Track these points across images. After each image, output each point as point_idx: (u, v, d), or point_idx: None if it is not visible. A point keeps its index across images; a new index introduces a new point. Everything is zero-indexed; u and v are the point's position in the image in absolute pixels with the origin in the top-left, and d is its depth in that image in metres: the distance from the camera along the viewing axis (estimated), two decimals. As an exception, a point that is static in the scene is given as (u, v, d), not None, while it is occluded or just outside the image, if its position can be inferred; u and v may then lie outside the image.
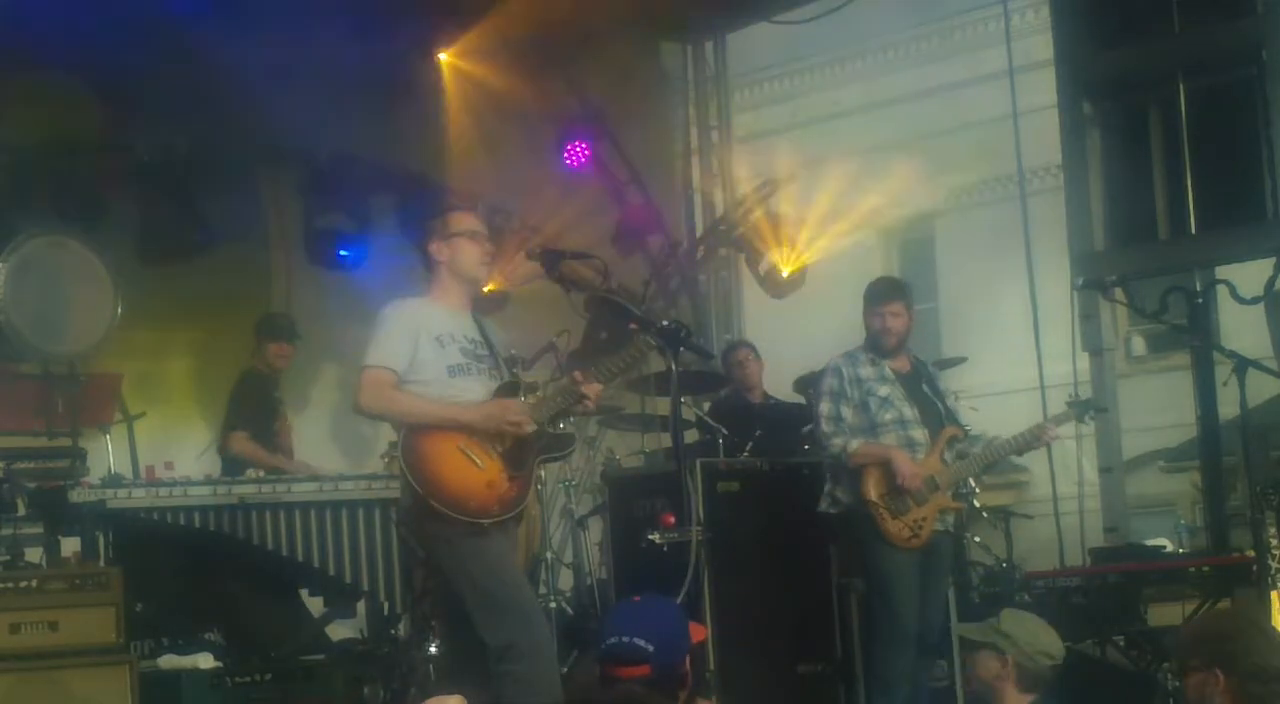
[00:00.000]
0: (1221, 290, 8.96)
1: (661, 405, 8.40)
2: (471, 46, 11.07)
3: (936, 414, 7.40)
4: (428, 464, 5.81)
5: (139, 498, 7.60)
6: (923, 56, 17.17)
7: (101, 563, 7.31)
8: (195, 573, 7.96)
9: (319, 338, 10.09)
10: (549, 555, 8.92)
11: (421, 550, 6.10)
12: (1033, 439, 7.41)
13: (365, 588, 7.98)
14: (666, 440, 8.59)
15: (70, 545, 7.44)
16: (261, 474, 7.96)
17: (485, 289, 7.37)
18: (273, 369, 9.20)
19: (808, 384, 9.24)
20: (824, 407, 7.39)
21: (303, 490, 7.86)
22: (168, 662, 7.42)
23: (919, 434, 7.31)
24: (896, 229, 17.73)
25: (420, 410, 5.86)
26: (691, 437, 8.63)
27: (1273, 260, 8.41)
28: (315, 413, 10.44)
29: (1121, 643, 7.90)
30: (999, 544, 9.98)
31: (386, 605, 8.14)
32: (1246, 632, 4.38)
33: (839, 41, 16.15)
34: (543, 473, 8.21)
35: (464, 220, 6.15)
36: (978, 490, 9.49)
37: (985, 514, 10.18)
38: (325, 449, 9.83)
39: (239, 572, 8.01)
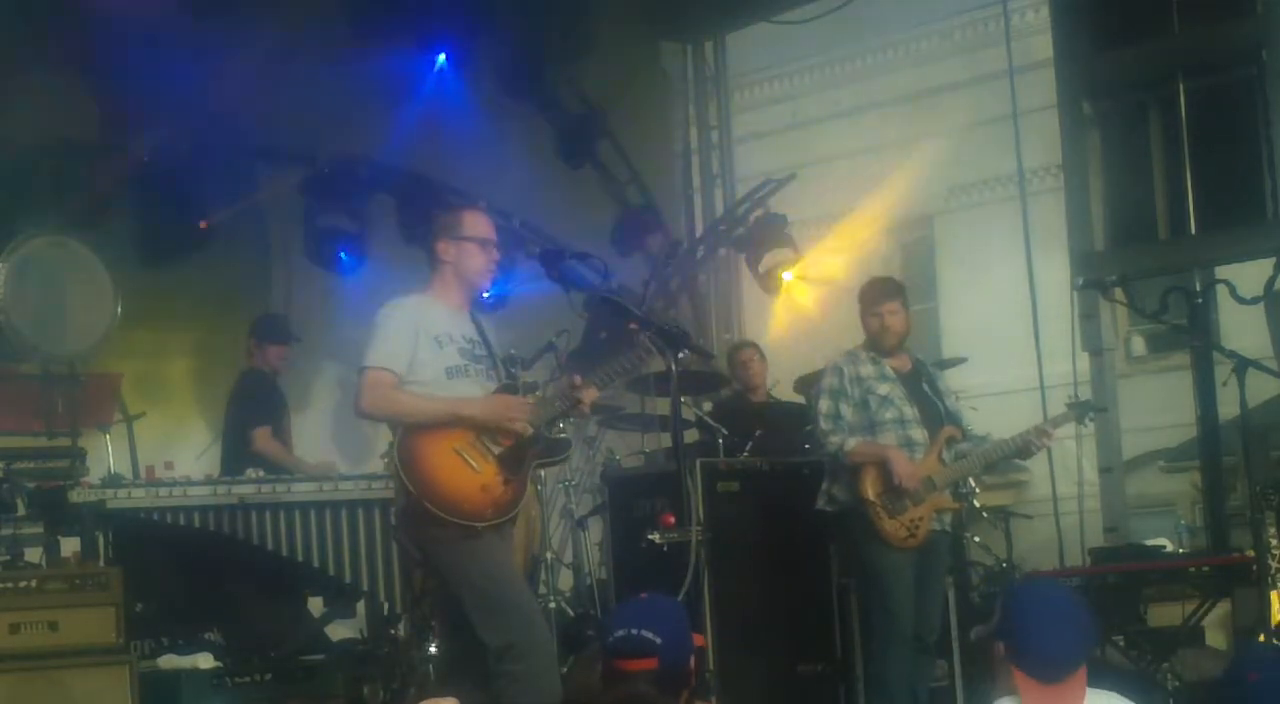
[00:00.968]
0: (1221, 290, 8.97)
1: (661, 405, 8.40)
2: (472, 46, 11.07)
3: (936, 414, 7.40)
4: (422, 466, 5.81)
5: (139, 498, 7.59)
6: (923, 56, 17.16)
7: (101, 563, 7.30)
8: (195, 573, 7.96)
9: (319, 338, 10.09)
10: (549, 555, 8.92)
11: (418, 552, 6.09)
12: (1030, 442, 7.39)
13: (365, 588, 7.98)
14: (666, 440, 8.59)
15: (70, 545, 7.44)
16: (261, 474, 7.96)
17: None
18: (273, 371, 9.20)
19: (808, 384, 9.24)
20: (823, 404, 7.39)
21: (303, 490, 7.85)
22: (168, 662, 7.42)
23: (918, 434, 7.31)
24: (896, 229, 17.72)
25: (423, 409, 5.86)
26: (691, 437, 8.63)
27: (1273, 260, 8.42)
28: (315, 413, 10.45)
29: (1121, 643, 7.90)
30: (999, 544, 9.98)
31: (386, 605, 8.13)
32: None
33: (838, 41, 16.14)
34: (543, 473, 8.22)
35: (476, 225, 6.09)
36: (978, 490, 9.49)
37: (985, 514, 10.18)
38: (325, 449, 9.82)
39: (239, 572, 8.01)
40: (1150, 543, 8.75)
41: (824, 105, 17.45)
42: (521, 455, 5.94)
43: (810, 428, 8.66)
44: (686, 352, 6.14)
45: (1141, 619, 8.19)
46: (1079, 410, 7.72)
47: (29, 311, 8.05)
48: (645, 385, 9.09)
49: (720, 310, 12.67)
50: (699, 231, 12.73)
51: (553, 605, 8.63)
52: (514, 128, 11.22)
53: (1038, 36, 11.01)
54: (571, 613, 9.07)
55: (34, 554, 7.35)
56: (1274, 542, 7.13)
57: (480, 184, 10.61)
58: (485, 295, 7.28)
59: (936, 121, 16.37)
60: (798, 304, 12.25)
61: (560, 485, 9.52)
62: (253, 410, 8.92)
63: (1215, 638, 8.52)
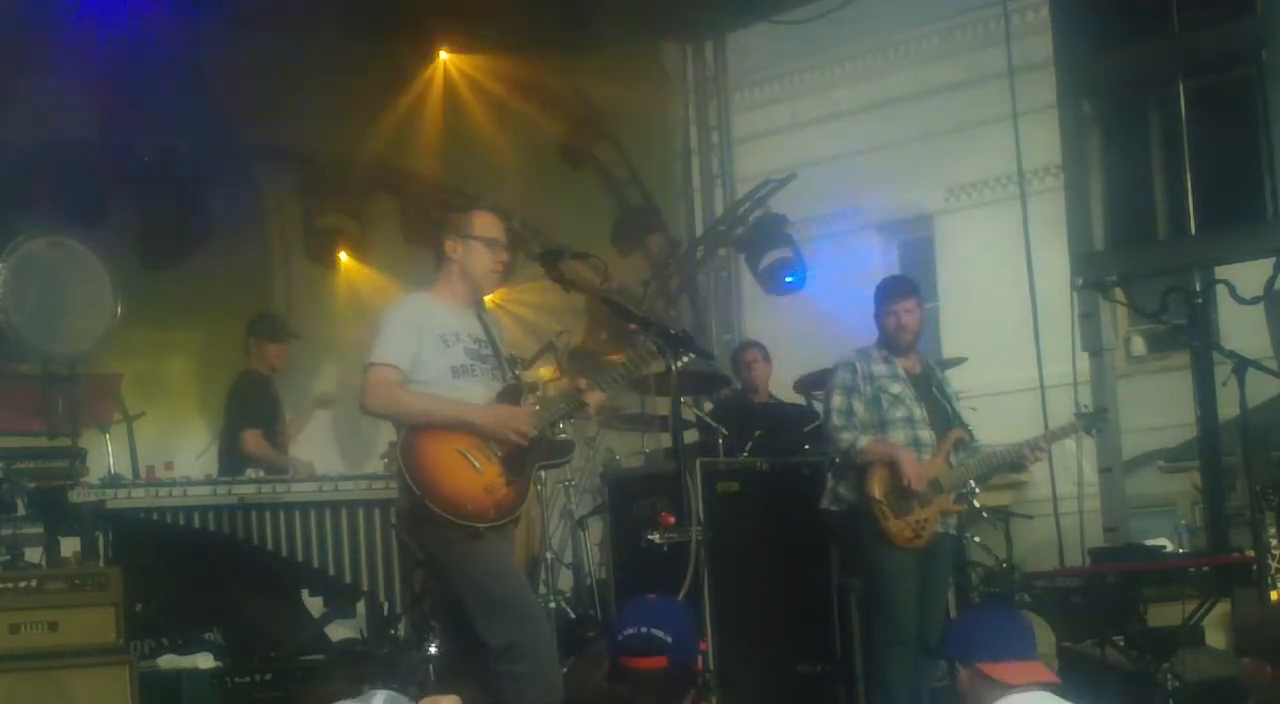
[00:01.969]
0: (1221, 290, 8.96)
1: (661, 405, 8.39)
2: (472, 46, 11.07)
3: (944, 416, 7.40)
4: (425, 466, 5.80)
5: (139, 498, 7.59)
6: (923, 56, 17.13)
7: (101, 563, 7.30)
8: (195, 573, 7.96)
9: (319, 337, 10.10)
10: (549, 555, 8.92)
11: (420, 552, 6.08)
12: (1023, 455, 7.39)
13: (365, 588, 7.98)
14: (666, 440, 8.59)
15: (70, 545, 7.44)
16: (261, 474, 7.96)
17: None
18: (273, 370, 9.19)
19: (809, 385, 9.23)
20: (836, 400, 7.36)
21: (303, 490, 7.85)
22: (168, 662, 7.42)
23: (926, 434, 7.31)
24: (896, 229, 17.71)
25: (427, 409, 5.85)
26: (691, 437, 8.62)
27: (1272, 260, 8.41)
28: (315, 413, 10.45)
29: (1121, 643, 7.90)
30: (999, 544, 9.96)
31: (386, 605, 8.13)
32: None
33: (839, 41, 16.10)
34: (543, 473, 8.21)
35: (486, 225, 6.07)
36: (978, 491, 9.47)
37: (985, 514, 10.16)
38: (325, 449, 9.83)
39: (239, 572, 8.00)
40: (1150, 543, 8.75)
41: (824, 105, 17.41)
42: (524, 457, 5.93)
43: (810, 428, 8.68)
44: (690, 356, 6.13)
45: (1141, 619, 8.18)
46: (1086, 421, 7.71)
47: (29, 311, 8.04)
48: (645, 385, 9.09)
49: (720, 310, 12.67)
50: (699, 231, 12.73)
51: (553, 605, 8.62)
52: (514, 128, 11.22)
53: (1038, 36, 10.97)
54: (572, 613, 9.06)
55: (34, 554, 7.35)
56: (1274, 542, 7.13)
57: (480, 184, 10.62)
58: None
59: (936, 121, 16.34)
60: (797, 304, 12.24)
61: (560, 485, 9.51)
62: (243, 413, 8.92)
63: (1215, 638, 8.51)
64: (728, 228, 12.42)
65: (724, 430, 8.68)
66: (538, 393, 6.09)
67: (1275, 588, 7.11)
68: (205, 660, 7.39)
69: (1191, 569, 8.01)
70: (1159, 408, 12.42)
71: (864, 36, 16.37)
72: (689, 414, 8.67)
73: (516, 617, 5.78)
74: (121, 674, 6.70)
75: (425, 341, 5.89)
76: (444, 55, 11.15)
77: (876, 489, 7.18)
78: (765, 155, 15.08)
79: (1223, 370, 8.01)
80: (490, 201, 9.99)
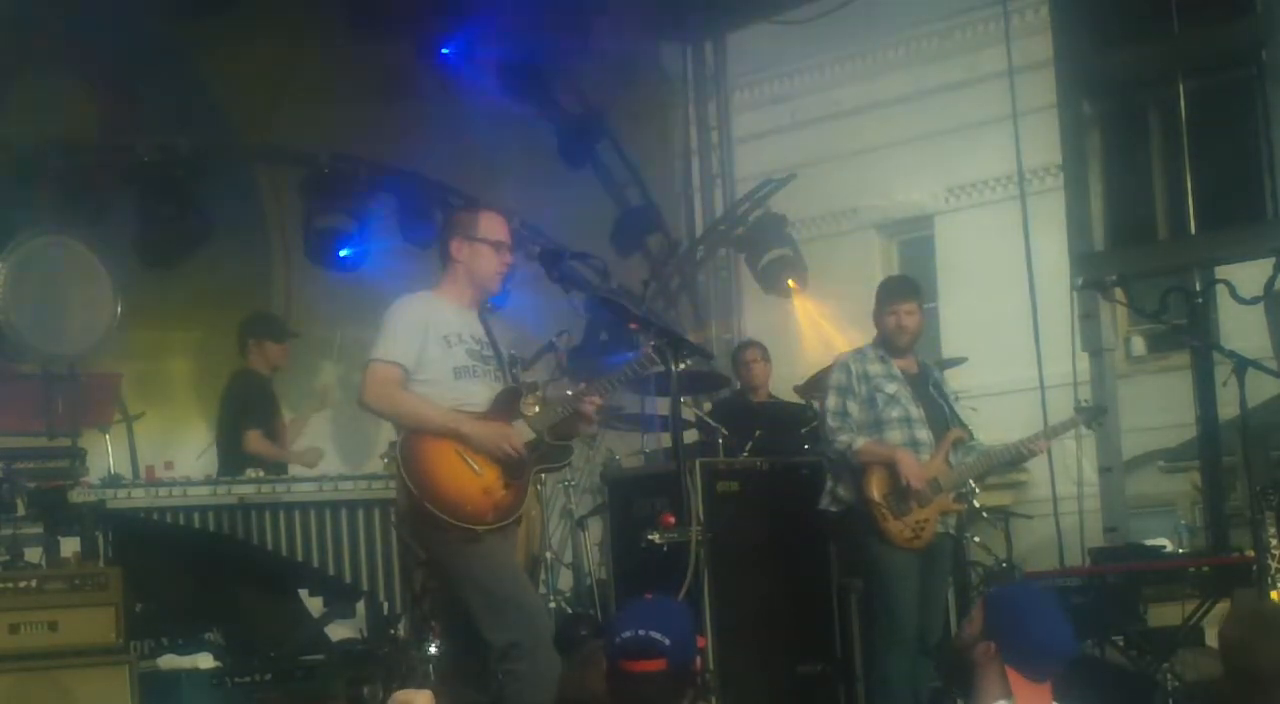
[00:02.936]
0: (1221, 290, 8.97)
1: (661, 405, 8.39)
2: (472, 46, 11.07)
3: (942, 416, 7.40)
4: (425, 467, 5.80)
5: (139, 498, 7.58)
6: (922, 56, 17.15)
7: (101, 563, 7.30)
8: (195, 573, 7.96)
9: (319, 337, 10.09)
10: (549, 555, 8.92)
11: (421, 552, 6.08)
12: (1028, 450, 7.39)
13: (365, 588, 7.97)
14: (666, 440, 8.58)
15: (70, 545, 7.43)
16: (261, 474, 7.96)
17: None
18: (274, 370, 9.19)
19: (811, 386, 9.23)
20: (831, 402, 7.37)
21: (303, 490, 7.84)
22: (167, 662, 7.41)
23: (923, 434, 7.30)
24: (896, 229, 17.72)
25: (423, 415, 5.84)
26: (691, 436, 8.62)
27: (1272, 260, 8.42)
28: (316, 412, 10.44)
29: (1121, 643, 7.90)
30: (999, 544, 9.97)
31: (386, 605, 8.13)
32: (1251, 638, 4.36)
33: (838, 41, 16.12)
34: (543, 474, 8.21)
35: (493, 227, 6.06)
36: (978, 491, 9.48)
37: (985, 514, 10.17)
38: (325, 449, 9.82)
39: (239, 572, 8.00)
40: (1150, 543, 8.75)
41: (824, 105, 17.43)
42: (523, 460, 5.93)
43: (808, 429, 8.67)
44: (690, 359, 6.13)
45: (1141, 619, 8.18)
46: (1085, 415, 7.71)
47: (29, 311, 8.05)
48: (645, 385, 9.09)
49: (720, 310, 12.67)
50: (699, 231, 12.73)
51: (552, 605, 8.62)
52: (514, 128, 11.22)
53: (1038, 36, 10.99)
54: (571, 613, 9.07)
55: (34, 554, 7.35)
56: (1274, 542, 7.12)
57: (480, 184, 10.62)
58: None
59: (936, 121, 16.35)
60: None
61: (560, 485, 9.51)
62: (243, 413, 8.91)
63: (1215, 638, 8.51)
64: (728, 228, 12.42)
65: (724, 430, 8.69)
66: (538, 393, 6.09)
67: (1275, 588, 7.11)
68: (205, 660, 7.39)
69: (1191, 569, 8.00)
70: (1159, 408, 12.43)
71: (864, 36, 16.38)
72: (689, 414, 8.67)
73: (519, 615, 5.79)
74: (121, 674, 6.71)
75: (429, 341, 5.89)
76: (444, 54, 11.13)
77: (875, 490, 7.18)
78: (765, 155, 15.09)
79: (1223, 370, 8.01)
80: (490, 201, 10.03)
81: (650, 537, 6.77)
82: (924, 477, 7.17)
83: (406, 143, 10.72)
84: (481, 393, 5.94)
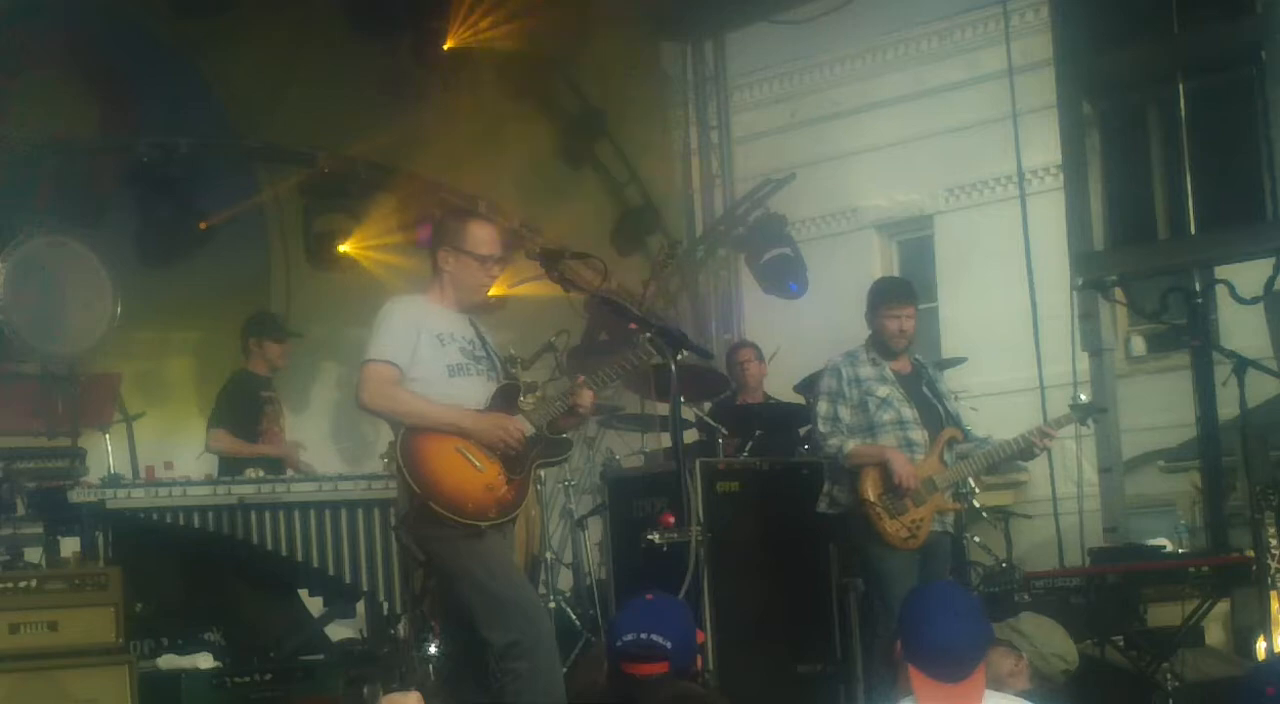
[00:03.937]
0: (1221, 290, 8.98)
1: (661, 405, 8.40)
2: (471, 46, 11.07)
3: (936, 416, 7.40)
4: (426, 465, 5.80)
5: (138, 498, 7.59)
6: (922, 56, 17.14)
7: (101, 563, 7.30)
8: (195, 573, 7.96)
9: (319, 337, 10.09)
10: (549, 555, 8.92)
11: (420, 553, 6.08)
12: (1031, 444, 7.38)
13: (365, 588, 7.97)
14: (666, 440, 8.59)
15: (70, 545, 7.44)
16: (261, 474, 7.96)
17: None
18: (273, 369, 9.18)
19: (809, 386, 9.23)
20: (821, 406, 7.38)
21: (302, 490, 7.85)
22: (167, 662, 7.41)
23: (918, 435, 7.30)
24: (896, 229, 17.72)
25: (422, 411, 5.85)
26: (691, 436, 8.63)
27: (1272, 260, 8.42)
28: (315, 413, 10.45)
29: (1121, 643, 7.89)
30: (999, 544, 9.98)
31: (386, 605, 8.13)
32: None
33: (838, 41, 16.12)
34: (542, 473, 8.21)
35: (480, 239, 6.01)
36: (977, 490, 9.48)
37: (985, 514, 10.18)
38: (325, 449, 9.82)
39: (239, 572, 8.00)
40: (1150, 543, 8.75)
41: (824, 105, 17.42)
42: (523, 455, 5.94)
43: (807, 429, 8.68)
44: (685, 352, 6.12)
45: (1141, 619, 8.18)
46: (1081, 412, 7.71)
47: (28, 312, 8.06)
48: (645, 385, 9.09)
49: (720, 310, 12.67)
50: (699, 231, 12.73)
51: (552, 605, 8.62)
52: (514, 128, 11.22)
53: (1038, 36, 11.01)
54: (571, 613, 9.07)
55: (34, 554, 7.35)
56: (1274, 542, 7.13)
57: (480, 184, 10.62)
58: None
59: (936, 121, 16.35)
60: (796, 304, 12.24)
61: (560, 485, 9.51)
62: (214, 412, 8.91)
63: (1215, 638, 8.52)
64: (728, 228, 12.42)
65: (723, 430, 8.69)
66: (536, 393, 6.09)
67: (1275, 588, 7.11)
68: (205, 660, 7.39)
69: (1191, 569, 8.00)
70: (1159, 408, 12.42)
71: (864, 36, 16.38)
72: (689, 414, 8.68)
73: (519, 615, 5.78)
74: (121, 674, 6.70)
75: (422, 340, 5.89)
76: (444, 53, 11.13)
77: (870, 491, 7.19)
78: (765, 155, 15.08)
79: (1222, 370, 8.02)
80: (489, 203, 10.02)
81: (650, 536, 6.78)
82: (917, 476, 7.17)
83: (406, 143, 10.72)
84: (476, 390, 5.94)
